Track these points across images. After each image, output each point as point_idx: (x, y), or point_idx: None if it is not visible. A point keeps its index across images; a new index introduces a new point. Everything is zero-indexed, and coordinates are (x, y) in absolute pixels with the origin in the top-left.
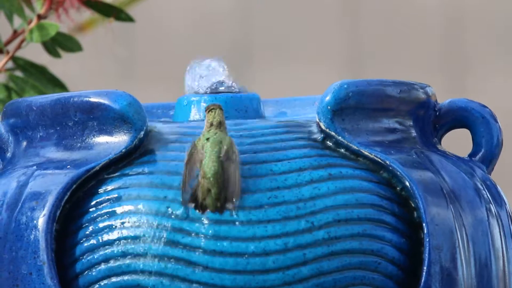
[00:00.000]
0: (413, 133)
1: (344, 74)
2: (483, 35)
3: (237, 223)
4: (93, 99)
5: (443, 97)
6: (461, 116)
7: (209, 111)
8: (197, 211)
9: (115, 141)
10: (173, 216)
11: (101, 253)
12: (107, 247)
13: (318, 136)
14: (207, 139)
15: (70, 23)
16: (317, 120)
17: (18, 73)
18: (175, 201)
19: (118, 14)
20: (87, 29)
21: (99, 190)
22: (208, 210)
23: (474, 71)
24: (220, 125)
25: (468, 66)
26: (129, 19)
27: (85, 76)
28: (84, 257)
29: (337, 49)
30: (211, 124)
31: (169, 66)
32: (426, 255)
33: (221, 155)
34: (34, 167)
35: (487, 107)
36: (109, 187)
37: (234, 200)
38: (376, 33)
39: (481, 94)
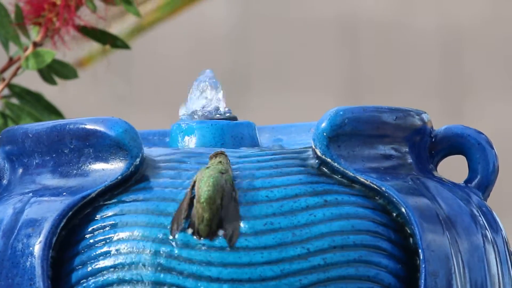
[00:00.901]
0: (409, 159)
1: (341, 101)
2: (480, 60)
3: (233, 249)
4: (88, 126)
5: (441, 122)
6: (457, 143)
7: (211, 159)
8: (194, 236)
9: (111, 168)
10: (168, 243)
11: (97, 279)
12: (103, 273)
13: (314, 163)
14: (208, 167)
15: (67, 51)
16: (313, 146)
17: (14, 101)
18: (171, 228)
19: (114, 42)
20: (86, 65)
21: (95, 217)
22: (200, 236)
23: (472, 96)
24: (223, 163)
25: (466, 91)
26: (125, 46)
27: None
28: (80, 283)
29: (334, 76)
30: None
31: (166, 93)
32: (422, 281)
33: (219, 182)
34: (30, 194)
35: (483, 134)
36: (105, 214)
37: (228, 229)
38: (374, 59)
39: (479, 119)
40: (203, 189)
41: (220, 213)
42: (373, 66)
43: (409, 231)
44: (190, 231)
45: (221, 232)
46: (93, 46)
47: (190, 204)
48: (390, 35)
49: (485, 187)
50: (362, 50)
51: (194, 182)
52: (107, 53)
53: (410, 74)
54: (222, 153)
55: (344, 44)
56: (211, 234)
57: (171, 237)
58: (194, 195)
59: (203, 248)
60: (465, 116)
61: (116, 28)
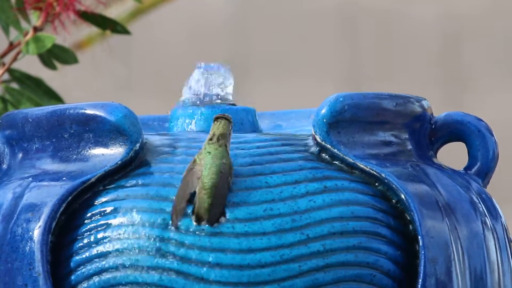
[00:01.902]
0: (409, 146)
1: (341, 88)
2: (480, 49)
3: (232, 235)
4: (88, 111)
5: (441, 111)
6: (457, 130)
7: (215, 121)
8: (195, 223)
9: (111, 153)
10: (168, 228)
11: (96, 265)
12: (102, 258)
13: (314, 149)
14: (209, 152)
15: (67, 35)
16: (313, 133)
17: (14, 85)
18: (171, 213)
19: (114, 27)
20: (85, 47)
21: (95, 202)
22: (203, 222)
23: (471, 85)
24: (222, 138)
25: (465, 80)
26: (125, 31)
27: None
28: (80, 269)
29: (334, 64)
30: (213, 135)
31: (166, 79)
32: (422, 267)
33: (222, 170)
34: (30, 179)
35: (483, 121)
36: (105, 199)
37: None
38: (374, 47)
39: (478, 108)
40: (208, 177)
41: (222, 198)
42: (373, 55)
43: (408, 218)
44: (193, 218)
45: (223, 219)
46: (93, 29)
47: (191, 191)
48: (390, 24)
49: (485, 174)
50: (362, 38)
51: (193, 162)
52: (107, 36)
53: (410, 63)
54: (226, 118)
55: (344, 32)
56: (213, 220)
57: (171, 223)
58: (193, 181)
59: (203, 234)
60: (465, 105)
61: (115, 12)
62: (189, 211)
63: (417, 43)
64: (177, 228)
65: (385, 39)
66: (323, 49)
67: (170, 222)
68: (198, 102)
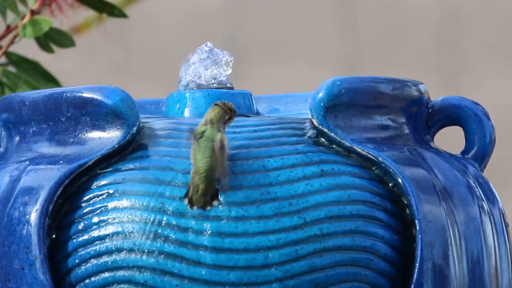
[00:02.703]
0: (406, 130)
1: (338, 72)
2: (478, 33)
3: (229, 219)
4: (86, 95)
5: (438, 96)
6: (454, 114)
7: (212, 107)
8: (188, 206)
9: (108, 136)
10: (165, 212)
11: (93, 248)
12: (99, 242)
13: (311, 133)
14: (202, 133)
15: (64, 19)
16: (310, 116)
17: (11, 69)
18: (168, 197)
19: (111, 10)
20: (82, 30)
21: (92, 185)
22: (195, 206)
23: (469, 69)
24: (211, 122)
25: (463, 64)
26: (122, 15)
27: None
28: (77, 252)
29: (332, 47)
30: (205, 120)
31: (163, 63)
32: (418, 251)
33: (214, 152)
34: (27, 162)
35: (480, 105)
36: (102, 183)
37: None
38: (372, 31)
39: (476, 91)
40: (201, 161)
41: (216, 183)
42: (370, 39)
43: (405, 202)
44: (185, 201)
45: (216, 203)
46: (90, 13)
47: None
48: (388, 8)
49: (482, 158)
50: (360, 22)
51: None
52: (104, 20)
53: (408, 47)
54: (220, 106)
55: (342, 16)
56: (205, 204)
57: (168, 207)
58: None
59: (199, 217)
60: (462, 90)
61: None
62: (182, 195)
63: (415, 27)
64: (172, 209)
65: (383, 23)
66: (321, 33)
67: (168, 204)
68: (194, 86)
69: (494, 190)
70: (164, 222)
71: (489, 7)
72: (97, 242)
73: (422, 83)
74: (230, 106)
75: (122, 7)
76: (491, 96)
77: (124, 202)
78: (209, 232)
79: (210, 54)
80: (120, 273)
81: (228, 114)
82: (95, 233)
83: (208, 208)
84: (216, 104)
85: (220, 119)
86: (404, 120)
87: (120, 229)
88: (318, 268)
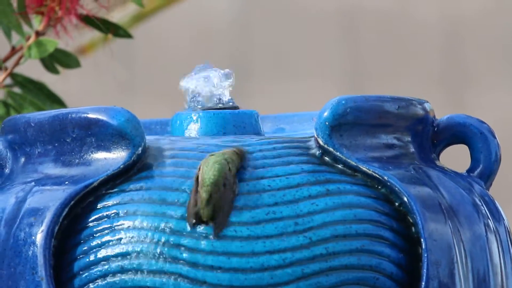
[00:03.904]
0: (411, 148)
1: (343, 90)
2: (482, 49)
3: (235, 238)
4: (91, 115)
5: (443, 112)
6: (459, 132)
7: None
8: (193, 222)
9: (113, 157)
10: (171, 232)
11: (99, 269)
12: (105, 263)
13: (316, 152)
14: (212, 154)
15: (69, 40)
16: (315, 135)
17: (17, 90)
18: (173, 217)
19: (116, 31)
20: (87, 51)
21: (98, 206)
22: (204, 221)
23: (473, 86)
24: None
25: (467, 81)
26: (127, 35)
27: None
28: (82, 273)
29: (336, 65)
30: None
31: (168, 83)
32: (424, 270)
33: (224, 169)
34: (33, 183)
35: (485, 123)
36: (108, 203)
37: (218, 217)
38: (375, 48)
39: (480, 108)
40: (209, 174)
41: (222, 199)
42: (375, 56)
43: (411, 220)
44: (189, 217)
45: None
46: (95, 33)
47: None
48: (391, 24)
49: (487, 176)
50: (364, 39)
51: (199, 169)
52: (109, 41)
53: (411, 63)
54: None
55: (346, 33)
56: (211, 219)
57: (174, 227)
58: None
59: (205, 237)
60: (467, 105)
61: (117, 16)
62: (187, 213)
63: (419, 44)
64: (178, 230)
65: (387, 40)
66: (325, 51)
67: (173, 224)
68: (199, 106)
69: (500, 208)
70: (169, 242)
71: (492, 22)
72: (103, 262)
73: (427, 102)
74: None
75: (127, 27)
76: (495, 111)
77: (130, 223)
78: (214, 252)
79: (212, 74)
80: None
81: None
82: (101, 254)
83: (215, 227)
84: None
85: (235, 159)
86: (409, 139)
87: (126, 249)
88: (324, 287)
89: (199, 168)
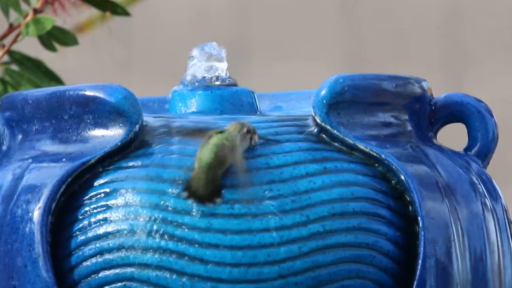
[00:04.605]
0: (409, 127)
1: (341, 69)
2: (481, 31)
3: (232, 216)
4: (88, 93)
5: (441, 92)
6: (456, 111)
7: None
8: (190, 200)
9: (111, 134)
10: (168, 209)
11: (96, 245)
12: (102, 239)
13: (314, 130)
14: (217, 132)
15: (67, 18)
16: (313, 114)
17: (14, 67)
18: (170, 194)
19: (115, 9)
20: (85, 29)
21: (94, 183)
22: (199, 200)
23: (472, 67)
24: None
25: (466, 62)
26: (125, 13)
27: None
28: (79, 249)
29: (335, 45)
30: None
31: (166, 61)
32: (421, 248)
33: (221, 150)
34: (30, 160)
35: (483, 102)
36: (104, 180)
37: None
38: (374, 28)
39: (479, 88)
40: (205, 155)
41: (220, 180)
42: (373, 36)
43: (408, 199)
44: (185, 194)
45: (218, 200)
46: (93, 11)
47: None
48: (391, 4)
49: (485, 155)
50: (363, 20)
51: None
52: (107, 19)
53: (410, 44)
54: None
55: (345, 14)
56: (208, 200)
57: (171, 204)
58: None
59: (202, 215)
60: (466, 87)
61: None
62: (184, 191)
63: (418, 24)
64: (175, 207)
65: (386, 21)
66: (323, 30)
67: (170, 202)
68: (197, 84)
69: (497, 187)
70: (166, 219)
71: (493, 3)
72: (99, 239)
73: (425, 80)
74: (249, 128)
75: (125, 5)
76: (494, 93)
77: (127, 200)
78: (211, 229)
79: (210, 52)
80: (123, 270)
81: (246, 134)
82: (98, 231)
83: (210, 204)
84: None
85: (238, 133)
86: (407, 117)
87: (122, 226)
88: (321, 265)
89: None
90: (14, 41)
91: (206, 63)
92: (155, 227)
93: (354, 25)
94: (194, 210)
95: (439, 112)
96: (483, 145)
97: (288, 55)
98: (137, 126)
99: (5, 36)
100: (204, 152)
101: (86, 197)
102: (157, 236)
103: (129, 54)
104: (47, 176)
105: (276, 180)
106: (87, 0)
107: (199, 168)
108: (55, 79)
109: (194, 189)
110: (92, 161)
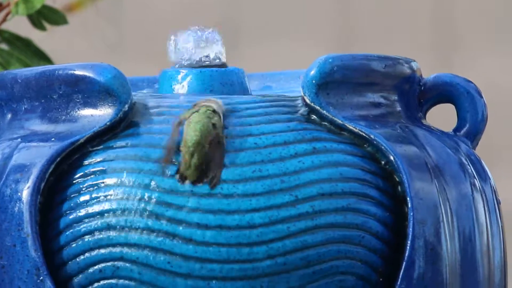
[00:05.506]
0: (398, 107)
1: (331, 50)
2: (472, 12)
3: (221, 196)
4: (77, 72)
5: (431, 74)
6: (446, 91)
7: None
8: (178, 181)
9: (100, 114)
10: (157, 189)
11: (85, 225)
12: (91, 219)
13: (303, 110)
14: (197, 111)
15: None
16: (302, 94)
17: (4, 46)
18: (159, 174)
19: None
20: (75, 9)
21: (84, 162)
22: (188, 181)
23: (462, 49)
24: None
25: (457, 44)
26: None
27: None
28: (68, 229)
29: (325, 25)
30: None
31: (156, 41)
32: (410, 229)
33: (206, 127)
34: (19, 140)
35: (472, 82)
36: (94, 160)
37: (210, 173)
38: (364, 9)
39: (469, 70)
40: (191, 134)
41: (207, 158)
42: (364, 17)
43: (397, 179)
44: (177, 176)
45: (207, 180)
46: None
47: (177, 149)
48: None
49: (474, 135)
50: (352, 0)
51: (179, 122)
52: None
53: (401, 25)
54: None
55: None
56: (197, 179)
57: (160, 184)
58: (180, 139)
59: (191, 194)
60: (456, 69)
61: None
62: (173, 171)
63: (408, 4)
64: (164, 187)
65: (376, 1)
66: (314, 10)
67: (159, 181)
68: (187, 64)
69: (486, 168)
70: (155, 199)
71: None
72: (88, 219)
73: (414, 61)
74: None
75: None
76: (484, 75)
77: (116, 180)
78: (200, 210)
79: (199, 33)
80: (112, 250)
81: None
82: (87, 211)
83: (199, 184)
84: (207, 102)
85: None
86: (396, 98)
87: (111, 206)
88: (309, 246)
89: (179, 122)
90: (4, 20)
91: (197, 44)
92: (143, 206)
93: (344, 5)
94: (183, 190)
95: (429, 93)
96: (472, 126)
97: (277, 35)
98: (127, 106)
99: None
100: (189, 132)
101: (75, 176)
102: (145, 216)
103: (119, 34)
104: (36, 156)
105: (265, 160)
106: None
107: (185, 149)
108: (44, 59)
109: (182, 170)
110: (81, 140)
